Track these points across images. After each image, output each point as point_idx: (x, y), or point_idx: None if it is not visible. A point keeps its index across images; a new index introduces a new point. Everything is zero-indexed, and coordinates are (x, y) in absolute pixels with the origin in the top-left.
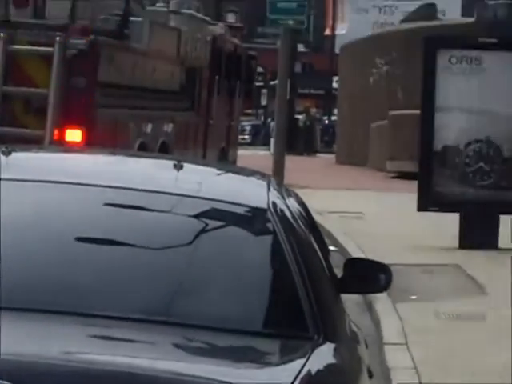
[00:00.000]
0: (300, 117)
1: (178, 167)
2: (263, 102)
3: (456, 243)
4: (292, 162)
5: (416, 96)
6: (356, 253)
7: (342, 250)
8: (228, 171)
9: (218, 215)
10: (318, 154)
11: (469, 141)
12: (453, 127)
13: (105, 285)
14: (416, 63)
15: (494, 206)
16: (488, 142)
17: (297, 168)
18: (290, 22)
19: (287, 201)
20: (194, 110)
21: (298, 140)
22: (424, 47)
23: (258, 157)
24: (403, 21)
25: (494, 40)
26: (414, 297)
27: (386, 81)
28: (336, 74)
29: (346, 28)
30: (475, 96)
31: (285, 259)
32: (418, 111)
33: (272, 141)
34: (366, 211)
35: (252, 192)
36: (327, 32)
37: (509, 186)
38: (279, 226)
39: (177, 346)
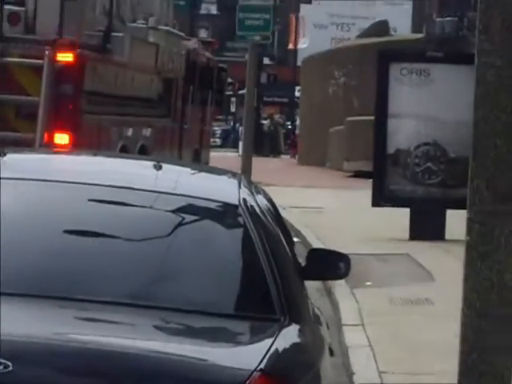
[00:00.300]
0: (265, 122)
1: (158, 167)
2: (232, 109)
3: (407, 235)
4: (258, 162)
5: (370, 104)
6: (317, 243)
7: (304, 241)
8: (202, 171)
9: (194, 210)
10: (282, 156)
11: (418, 144)
12: (404, 132)
13: (90, 273)
14: (370, 75)
15: (441, 201)
16: (435, 144)
17: (263, 168)
18: (257, 38)
19: (256, 197)
20: (170, 116)
21: (264, 143)
22: (378, 60)
23: (228, 158)
24: (359, 36)
25: (440, 54)
26: (369, 283)
27: (343, 90)
28: (298, 84)
29: (307, 43)
30: (424, 104)
31: (254, 249)
32: (372, 117)
33: (240, 144)
34: (326, 206)
35: (224, 189)
36: (290, 46)
37: (454, 184)
38: (249, 220)
39: (156, 327)
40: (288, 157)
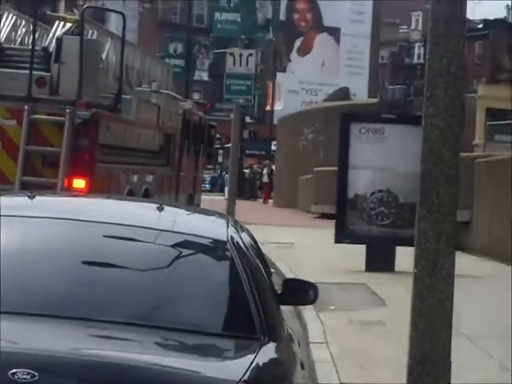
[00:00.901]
0: (246, 171)
1: (160, 209)
2: (220, 159)
3: (363, 267)
4: (241, 204)
5: (334, 156)
6: (288, 274)
7: (278, 272)
8: (196, 212)
9: (189, 245)
10: (259, 200)
11: (373, 191)
12: (362, 180)
13: (104, 298)
14: (334, 132)
15: (392, 240)
16: (388, 191)
17: (245, 209)
18: (241, 100)
19: (241, 234)
20: (169, 165)
21: (245, 188)
22: (340, 120)
23: (216, 201)
24: (325, 100)
25: (393, 116)
26: (332, 307)
27: (312, 145)
28: (274, 139)
29: (281, 105)
30: (379, 157)
31: (239, 279)
32: (335, 168)
33: (226, 188)
34: (297, 242)
35: (215, 228)
36: (268, 108)
37: (403, 225)
38: (236, 254)
39: (157, 344)
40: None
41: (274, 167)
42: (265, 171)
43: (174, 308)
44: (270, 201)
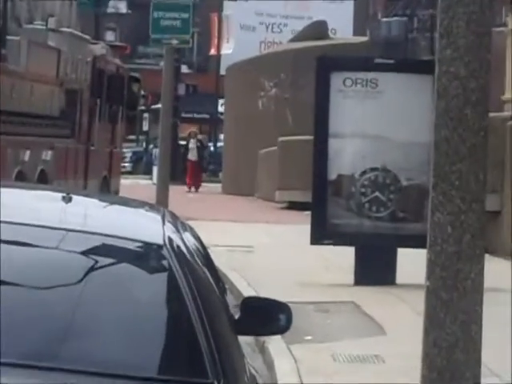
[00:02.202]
0: (191, 142)
1: (66, 199)
2: (145, 127)
3: (351, 279)
4: (176, 192)
5: (307, 121)
6: (246, 290)
7: (231, 287)
8: (117, 203)
9: (110, 252)
10: (203, 184)
11: (364, 169)
12: (348, 154)
13: None
14: (307, 86)
15: (392, 238)
16: (384, 170)
17: (181, 199)
18: (174, 42)
19: (183, 235)
20: (74, 136)
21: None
22: (316, 69)
23: (140, 186)
24: (292, 40)
25: (390, 61)
26: (308, 337)
27: (275, 104)
28: (222, 97)
29: (231, 47)
30: (371, 121)
31: (182, 300)
32: (309, 137)
33: (155, 169)
34: (256, 245)
35: (146, 226)
36: (212, 52)
37: (407, 218)
38: (176, 263)
39: None
40: (209, 185)
41: (201, 137)
42: (191, 143)
43: (86, 342)
44: (199, 189)
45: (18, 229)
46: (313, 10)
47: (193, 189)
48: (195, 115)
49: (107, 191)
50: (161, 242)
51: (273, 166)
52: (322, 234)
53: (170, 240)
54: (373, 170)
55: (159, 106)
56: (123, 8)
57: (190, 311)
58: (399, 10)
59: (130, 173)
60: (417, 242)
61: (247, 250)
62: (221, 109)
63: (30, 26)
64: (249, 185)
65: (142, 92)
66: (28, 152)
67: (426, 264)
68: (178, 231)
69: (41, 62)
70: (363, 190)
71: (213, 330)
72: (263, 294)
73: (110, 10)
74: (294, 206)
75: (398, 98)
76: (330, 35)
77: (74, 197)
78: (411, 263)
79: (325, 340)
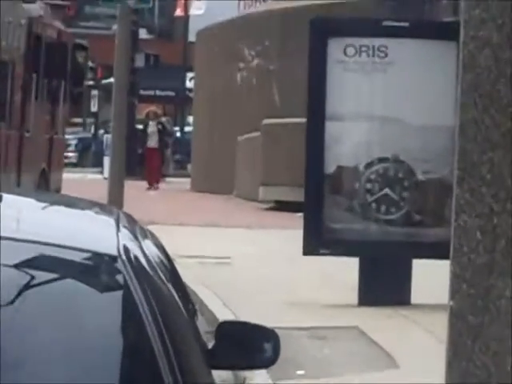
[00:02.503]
0: (141, 127)
1: None
2: (93, 107)
3: (355, 298)
4: (133, 188)
5: (299, 99)
6: (222, 312)
7: (203, 308)
8: (60, 203)
9: (49, 265)
10: (168, 179)
11: (371, 160)
12: (350, 141)
13: None
14: (298, 55)
15: (405, 247)
16: (396, 161)
17: (139, 197)
18: (130, 0)
19: (143, 244)
20: (3, 120)
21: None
22: (309, 34)
23: (88, 182)
24: None
25: (403, 23)
26: (301, 372)
27: (258, 78)
28: (191, 70)
29: (203, 7)
30: (379, 99)
31: (141, 324)
32: (301, 119)
33: (106, 160)
34: (234, 255)
35: (95, 233)
36: (178, 13)
37: (424, 221)
38: (133, 279)
39: None
40: (176, 179)
41: (165, 119)
42: (151, 127)
43: (21, 376)
44: (161, 186)
45: None
46: None
47: (155, 185)
48: (157, 92)
49: (46, 188)
50: (114, 252)
51: (255, 157)
52: (317, 242)
53: (126, 250)
54: (381, 160)
55: (111, 80)
56: None
57: (151, 339)
58: None
59: (75, 165)
60: (437, 251)
61: (223, 262)
62: (189, 84)
63: None
64: (225, 180)
65: (90, 63)
66: None
67: (449, 279)
68: (137, 239)
69: None
70: (369, 186)
71: (180, 362)
72: (243, 318)
73: None
74: (281, 206)
75: (413, 70)
76: None
77: (4, 196)
78: (430, 278)
79: (321, 375)
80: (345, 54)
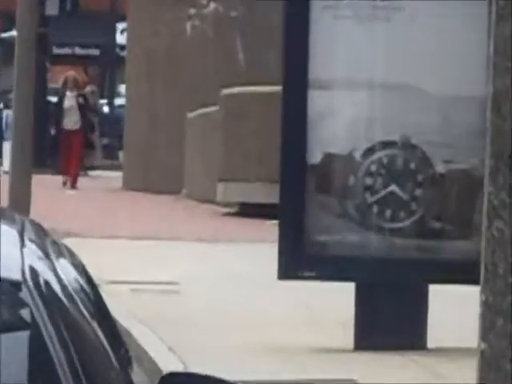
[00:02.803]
0: (55, 100)
1: None
2: None
3: (350, 340)
4: (44, 186)
5: (271, 60)
6: (166, 359)
7: (139, 353)
8: None
9: None
10: (92, 173)
11: (372, 144)
12: (342, 119)
13: None
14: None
15: (419, 268)
16: (406, 145)
17: (53, 198)
18: None
19: (57, 265)
20: None
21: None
22: None
23: None
24: None
25: None
26: None
27: (215, 30)
28: (123, 19)
29: None
30: (382, 60)
31: (53, 372)
32: (274, 87)
33: (6, 146)
34: (183, 279)
35: None
36: None
37: (445, 230)
38: (43, 311)
39: None
40: (102, 173)
41: (88, 89)
42: (68, 100)
43: None
44: (82, 182)
45: None
46: None
47: (74, 180)
48: (77, 50)
49: None
50: (18, 276)
51: (212, 141)
52: (297, 262)
53: (34, 273)
54: (386, 145)
55: (13, 33)
56: None
57: None
58: None
59: None
60: (463, 273)
61: (168, 290)
62: (121, 39)
63: None
64: (170, 174)
65: None
66: None
67: (478, 313)
68: (48, 257)
69: None
70: (369, 181)
71: None
72: (196, 368)
73: None
74: (248, 210)
75: (429, 20)
76: None
77: None
78: (453, 311)
79: None
80: None
